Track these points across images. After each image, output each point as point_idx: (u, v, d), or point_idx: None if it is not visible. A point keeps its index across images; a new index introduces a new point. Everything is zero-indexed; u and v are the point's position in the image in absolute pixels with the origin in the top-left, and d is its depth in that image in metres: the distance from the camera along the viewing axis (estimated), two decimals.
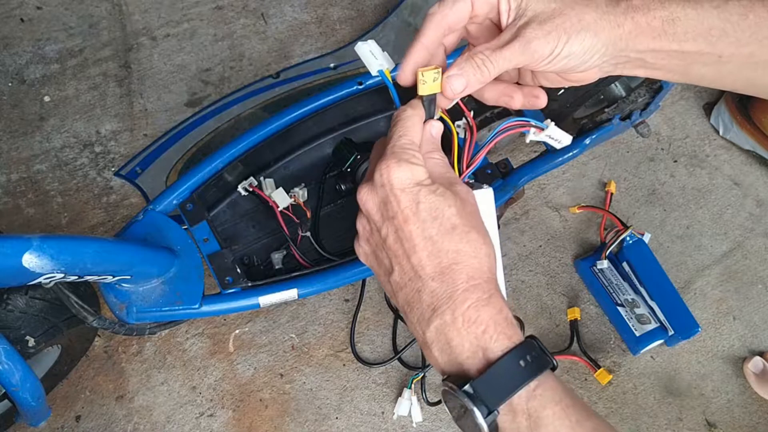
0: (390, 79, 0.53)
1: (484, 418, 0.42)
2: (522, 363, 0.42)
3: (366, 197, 0.48)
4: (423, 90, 0.49)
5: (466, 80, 0.47)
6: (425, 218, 0.45)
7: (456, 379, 0.44)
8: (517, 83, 0.56)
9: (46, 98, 1.22)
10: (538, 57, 0.46)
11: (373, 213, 0.48)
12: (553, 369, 0.45)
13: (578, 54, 0.46)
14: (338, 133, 0.94)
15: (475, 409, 0.42)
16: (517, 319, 1.06)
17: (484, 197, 0.52)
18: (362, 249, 0.51)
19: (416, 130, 0.50)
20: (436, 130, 0.52)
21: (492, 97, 0.55)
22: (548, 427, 0.41)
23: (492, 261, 0.47)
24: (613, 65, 0.48)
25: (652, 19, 0.45)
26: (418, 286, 0.45)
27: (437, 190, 0.46)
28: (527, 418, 0.42)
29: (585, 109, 1.02)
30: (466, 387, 0.42)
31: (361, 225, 0.50)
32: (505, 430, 0.43)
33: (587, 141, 0.94)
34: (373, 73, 0.53)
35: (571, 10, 0.45)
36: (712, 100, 1.26)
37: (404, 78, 0.51)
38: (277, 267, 0.88)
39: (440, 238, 0.45)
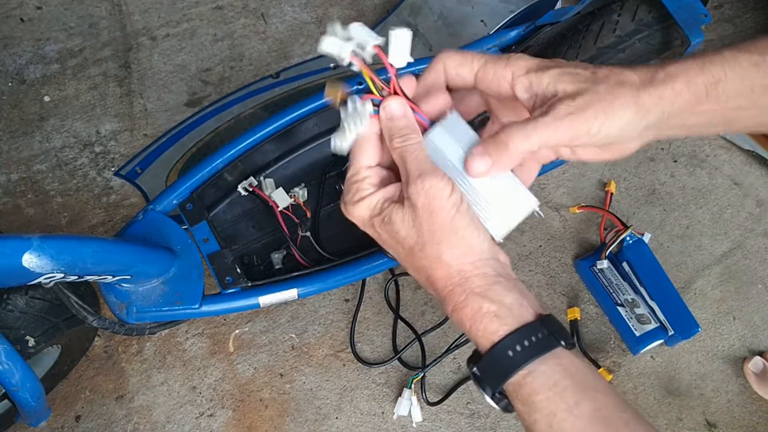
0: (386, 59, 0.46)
1: (491, 397, 0.45)
2: (510, 353, 0.43)
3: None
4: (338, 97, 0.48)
5: (490, 159, 0.46)
6: (391, 244, 0.49)
7: (475, 358, 0.47)
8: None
9: (46, 98, 1.22)
10: (574, 134, 0.43)
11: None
12: (570, 347, 0.45)
13: (616, 130, 0.44)
14: None
15: (483, 390, 0.45)
16: None
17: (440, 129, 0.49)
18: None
19: (364, 155, 0.50)
20: (400, 110, 0.48)
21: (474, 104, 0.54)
22: (542, 411, 0.42)
23: (460, 260, 0.46)
24: (655, 135, 0.47)
25: (695, 86, 0.44)
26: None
27: (386, 218, 0.48)
28: (522, 404, 0.43)
29: None
30: (474, 369, 0.45)
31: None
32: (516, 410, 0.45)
33: None
34: (346, 61, 0.45)
35: (605, 89, 0.43)
36: None
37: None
38: (277, 267, 0.88)
39: (406, 259, 0.49)
